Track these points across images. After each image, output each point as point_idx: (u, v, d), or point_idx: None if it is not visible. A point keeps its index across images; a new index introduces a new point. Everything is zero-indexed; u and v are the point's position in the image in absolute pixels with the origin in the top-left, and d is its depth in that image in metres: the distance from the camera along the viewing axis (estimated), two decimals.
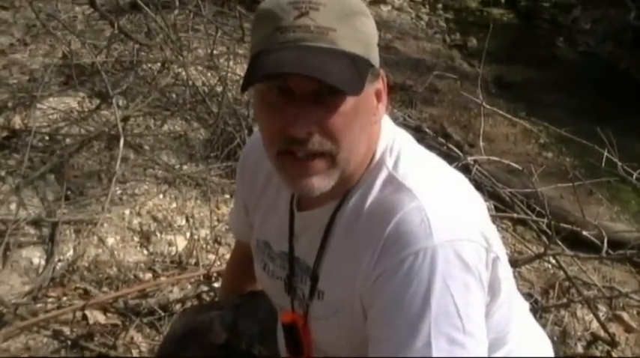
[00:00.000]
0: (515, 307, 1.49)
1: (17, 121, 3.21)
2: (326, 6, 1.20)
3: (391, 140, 1.34)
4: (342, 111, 1.22)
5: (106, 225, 2.69)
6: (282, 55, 1.18)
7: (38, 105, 3.30)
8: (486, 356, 1.26)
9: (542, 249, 2.99)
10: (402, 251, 1.22)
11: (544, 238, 3.15)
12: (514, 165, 3.24)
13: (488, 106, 3.62)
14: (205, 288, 2.52)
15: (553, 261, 3.01)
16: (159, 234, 2.70)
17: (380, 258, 1.24)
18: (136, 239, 2.64)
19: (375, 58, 1.25)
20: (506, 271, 1.38)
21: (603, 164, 3.19)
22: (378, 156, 1.32)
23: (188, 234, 2.76)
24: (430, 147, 3.29)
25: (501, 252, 1.34)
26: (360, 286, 1.28)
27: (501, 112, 3.91)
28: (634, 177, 3.22)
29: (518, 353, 1.48)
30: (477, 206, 1.35)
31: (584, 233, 3.06)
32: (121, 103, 3.40)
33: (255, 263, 1.59)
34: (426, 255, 1.20)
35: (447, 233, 1.22)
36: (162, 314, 2.42)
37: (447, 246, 1.21)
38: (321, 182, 1.25)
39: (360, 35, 1.22)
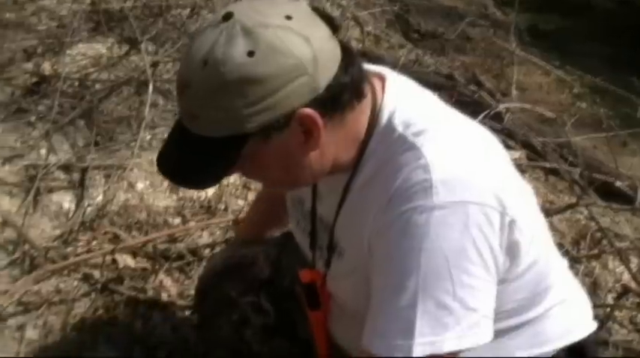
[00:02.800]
0: (550, 265, 1.45)
1: (47, 67, 3.20)
2: (191, 87, 1.17)
3: (396, 103, 1.31)
4: (250, 173, 1.33)
5: (135, 170, 2.69)
6: (163, 149, 1.27)
7: (67, 51, 3.28)
8: (483, 326, 1.24)
9: (574, 200, 2.96)
10: (401, 206, 1.21)
11: (576, 188, 3.11)
12: (547, 113, 3.20)
13: (521, 54, 3.56)
14: (234, 234, 2.52)
15: (585, 212, 2.97)
16: None
17: (383, 214, 1.23)
18: (166, 184, 2.64)
19: (264, 119, 1.17)
20: (533, 232, 1.34)
21: (638, 114, 3.14)
22: (384, 122, 1.29)
23: None
24: (462, 95, 3.26)
25: (523, 214, 1.30)
26: (368, 242, 1.28)
27: (535, 59, 3.84)
28: None
29: (554, 312, 1.46)
30: (495, 166, 1.31)
31: (617, 184, 3.03)
32: (150, 49, 3.38)
33: (290, 218, 1.61)
34: (422, 212, 1.19)
35: (449, 194, 1.20)
36: (192, 258, 2.43)
37: (448, 207, 1.19)
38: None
39: (228, 115, 1.16)
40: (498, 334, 1.29)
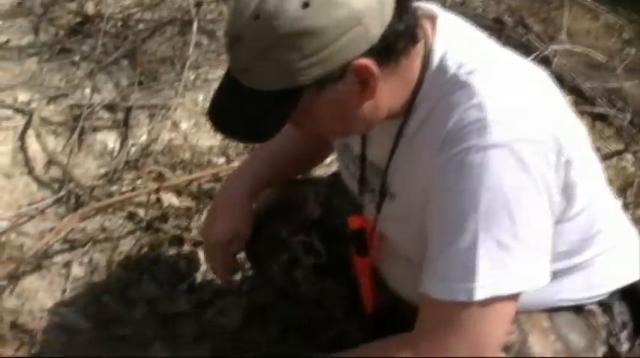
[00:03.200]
0: (604, 207, 1.43)
1: (90, 7, 3.18)
2: (242, 41, 1.14)
3: (448, 43, 1.27)
4: (303, 125, 1.27)
5: (179, 110, 2.68)
6: (214, 103, 1.25)
7: None
8: (544, 268, 1.22)
9: (621, 147, 2.90)
10: (455, 147, 1.18)
11: (624, 135, 3.04)
12: (597, 56, 3.12)
13: None
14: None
15: (632, 159, 2.92)
16: None
17: (437, 156, 1.21)
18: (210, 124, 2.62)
19: (319, 72, 1.15)
20: (588, 173, 1.32)
21: None
22: (436, 63, 1.26)
23: None
24: (509, 38, 3.18)
25: (579, 154, 1.27)
26: (424, 186, 1.26)
27: (584, 2, 3.74)
28: None
29: (606, 254, 1.44)
30: (550, 105, 1.28)
31: None
32: None
33: (339, 162, 1.60)
34: (478, 152, 1.16)
35: (505, 132, 1.17)
36: None
37: (504, 146, 1.16)
38: None
39: (282, 68, 1.13)
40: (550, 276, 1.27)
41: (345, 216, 1.60)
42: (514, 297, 1.21)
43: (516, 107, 1.21)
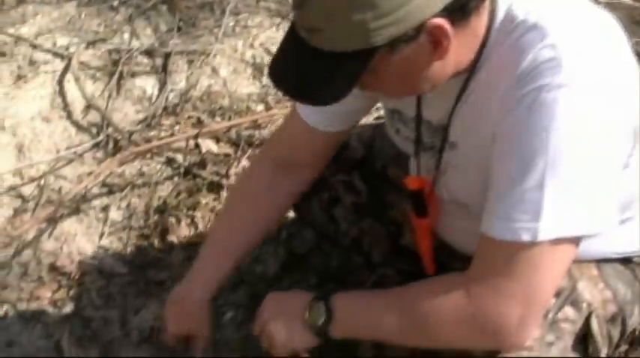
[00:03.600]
0: None
1: None
2: None
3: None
4: (369, 85, 1.20)
5: (218, 56, 2.63)
6: (277, 63, 1.20)
7: None
8: (612, 211, 1.18)
9: None
10: (527, 86, 1.13)
11: None
12: None
13: None
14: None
15: None
16: None
17: (508, 97, 1.16)
18: (249, 71, 2.59)
19: (393, 32, 1.09)
20: None
21: None
22: (502, 16, 1.20)
23: None
24: None
25: None
26: (490, 131, 1.21)
27: None
28: None
29: None
30: (621, 50, 1.22)
31: None
32: None
33: (387, 128, 1.54)
34: (550, 91, 1.11)
35: (577, 72, 1.12)
36: None
37: (576, 86, 1.11)
38: None
39: (356, 28, 1.08)
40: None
41: (387, 159, 1.55)
42: (577, 241, 1.17)
43: (589, 47, 1.16)
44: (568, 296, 1.34)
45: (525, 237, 1.13)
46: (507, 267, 1.17)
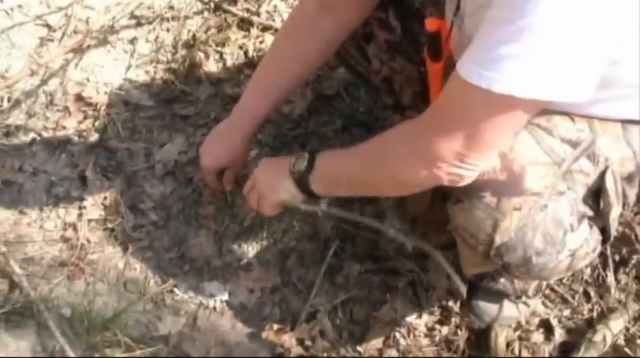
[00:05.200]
0: None
1: None
2: None
3: None
4: None
5: None
6: None
7: None
8: (581, 82, 1.10)
9: None
10: None
11: None
12: None
13: None
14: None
15: None
16: None
17: None
18: None
19: None
20: None
21: None
22: None
23: None
24: None
25: None
26: None
27: None
28: None
29: None
30: None
31: None
32: None
33: None
34: None
35: None
36: None
37: None
38: None
39: None
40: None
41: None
42: (536, 104, 1.12)
43: None
44: (585, 148, 1.32)
45: (483, 84, 1.09)
46: (460, 105, 1.17)
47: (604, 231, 1.41)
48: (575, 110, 1.32)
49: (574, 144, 1.31)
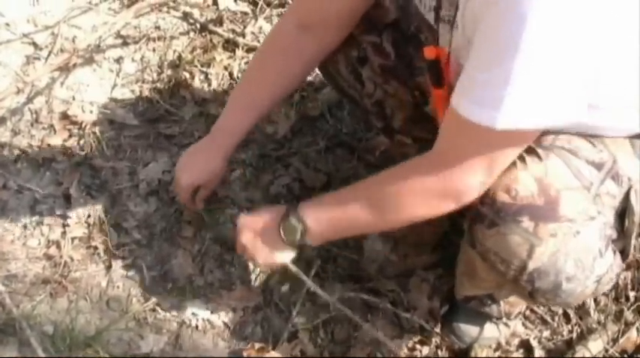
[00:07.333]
0: None
1: None
2: None
3: None
4: None
5: None
6: None
7: None
8: (579, 105, 1.16)
9: None
10: None
11: None
12: None
13: None
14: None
15: None
16: None
17: None
18: None
19: None
20: None
21: None
22: None
23: None
24: None
25: None
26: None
27: None
28: None
29: None
30: None
31: None
32: None
33: None
34: None
35: None
36: None
37: None
38: None
39: None
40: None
41: (421, 23, 1.53)
42: (536, 132, 1.21)
43: None
44: (609, 170, 1.34)
45: (485, 123, 1.14)
46: (470, 143, 1.23)
47: (622, 252, 1.41)
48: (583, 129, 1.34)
49: (598, 166, 1.32)
